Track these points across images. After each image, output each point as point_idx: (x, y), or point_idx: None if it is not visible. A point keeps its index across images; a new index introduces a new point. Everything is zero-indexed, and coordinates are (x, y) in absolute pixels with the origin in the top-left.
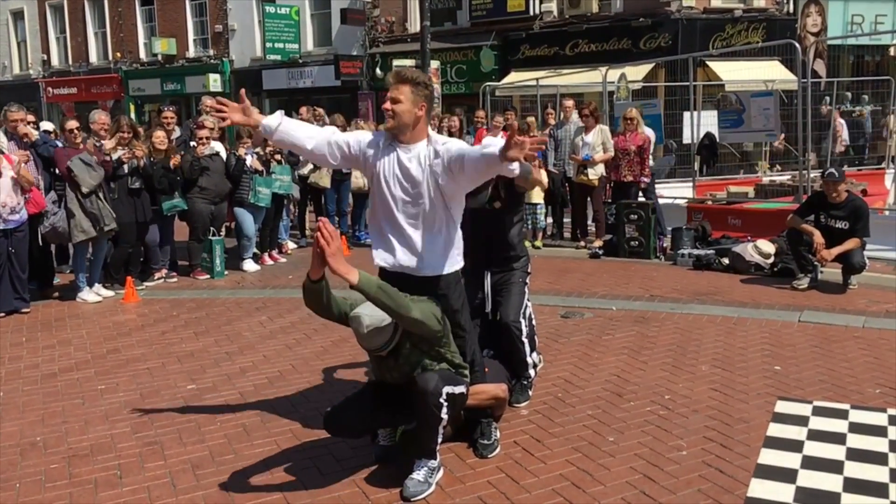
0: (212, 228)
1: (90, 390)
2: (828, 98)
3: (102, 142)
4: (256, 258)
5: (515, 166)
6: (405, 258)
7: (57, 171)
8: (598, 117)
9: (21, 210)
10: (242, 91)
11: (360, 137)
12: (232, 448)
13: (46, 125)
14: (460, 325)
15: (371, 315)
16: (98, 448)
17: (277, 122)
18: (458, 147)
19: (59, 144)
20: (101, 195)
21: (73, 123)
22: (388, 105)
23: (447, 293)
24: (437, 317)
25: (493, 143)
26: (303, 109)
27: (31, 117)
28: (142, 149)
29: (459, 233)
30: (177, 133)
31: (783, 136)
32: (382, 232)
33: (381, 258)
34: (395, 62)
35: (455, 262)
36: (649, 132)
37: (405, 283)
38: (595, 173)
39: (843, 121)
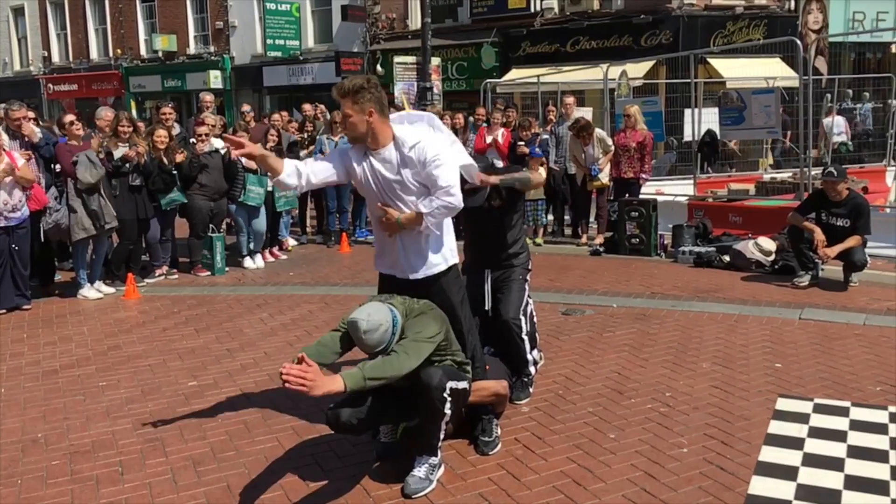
0: (211, 225)
1: (91, 387)
2: (829, 95)
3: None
4: (255, 255)
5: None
6: (399, 261)
7: (58, 167)
8: (591, 131)
9: (23, 207)
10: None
11: (338, 155)
12: (233, 444)
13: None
14: (460, 322)
15: (368, 320)
16: (99, 444)
17: (294, 184)
18: (427, 172)
19: (57, 140)
20: (102, 193)
21: (69, 117)
22: (339, 119)
23: (446, 291)
24: (431, 338)
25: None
26: (306, 106)
27: (31, 113)
28: (142, 145)
29: (450, 228)
30: (176, 130)
31: (790, 133)
32: (378, 237)
33: (380, 265)
34: (397, 59)
35: (449, 259)
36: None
37: (404, 285)
38: (606, 175)
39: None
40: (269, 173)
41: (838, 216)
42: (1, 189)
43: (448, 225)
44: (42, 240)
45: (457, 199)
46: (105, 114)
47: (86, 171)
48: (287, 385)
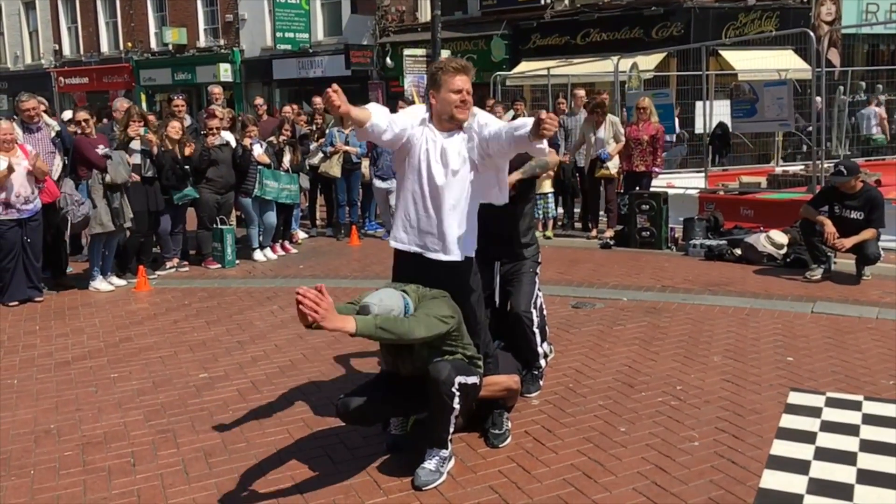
0: (222, 217)
1: (103, 378)
2: (841, 88)
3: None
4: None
5: (544, 144)
6: (431, 242)
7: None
8: (605, 111)
9: (35, 199)
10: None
11: (407, 119)
12: (244, 436)
13: (68, 114)
14: (475, 317)
15: (380, 305)
16: (111, 436)
17: (385, 126)
18: (492, 128)
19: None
20: (124, 191)
21: (83, 115)
22: (467, 96)
23: (465, 280)
24: (444, 318)
25: (524, 122)
26: (317, 99)
27: (42, 106)
28: (154, 138)
29: (473, 231)
30: (187, 122)
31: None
32: (408, 215)
33: (402, 241)
34: (406, 52)
35: (472, 247)
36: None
37: (426, 267)
38: (614, 165)
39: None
40: (353, 126)
41: (852, 209)
42: (13, 181)
43: (474, 230)
44: (55, 233)
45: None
46: (121, 105)
47: (120, 169)
48: (300, 307)
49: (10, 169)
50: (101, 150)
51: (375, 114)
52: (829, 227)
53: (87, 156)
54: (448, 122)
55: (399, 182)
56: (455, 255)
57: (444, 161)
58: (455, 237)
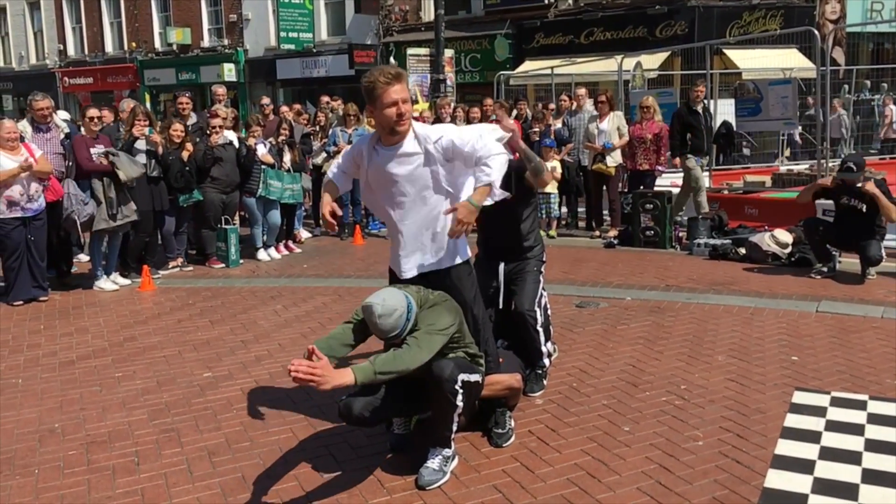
0: (225, 217)
1: (107, 378)
2: (846, 86)
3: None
4: (269, 247)
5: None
6: (417, 257)
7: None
8: (613, 104)
9: (40, 198)
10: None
11: (345, 156)
12: (248, 435)
13: (64, 114)
14: (474, 316)
15: (383, 304)
16: (115, 435)
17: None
18: (461, 140)
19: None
20: (128, 188)
21: (93, 112)
22: (404, 108)
23: (460, 285)
24: (444, 330)
25: (482, 176)
26: (324, 98)
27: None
28: (159, 138)
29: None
30: (192, 119)
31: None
32: (393, 234)
33: (396, 265)
34: (410, 51)
35: (464, 252)
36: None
37: (418, 280)
38: (613, 161)
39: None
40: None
41: (858, 198)
42: (17, 181)
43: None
44: (61, 232)
45: (500, 150)
46: (128, 106)
47: (127, 167)
48: (296, 380)
49: (25, 167)
50: (100, 149)
51: (333, 184)
52: (828, 181)
53: (76, 155)
54: (391, 136)
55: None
56: (452, 260)
57: (402, 180)
58: (444, 243)
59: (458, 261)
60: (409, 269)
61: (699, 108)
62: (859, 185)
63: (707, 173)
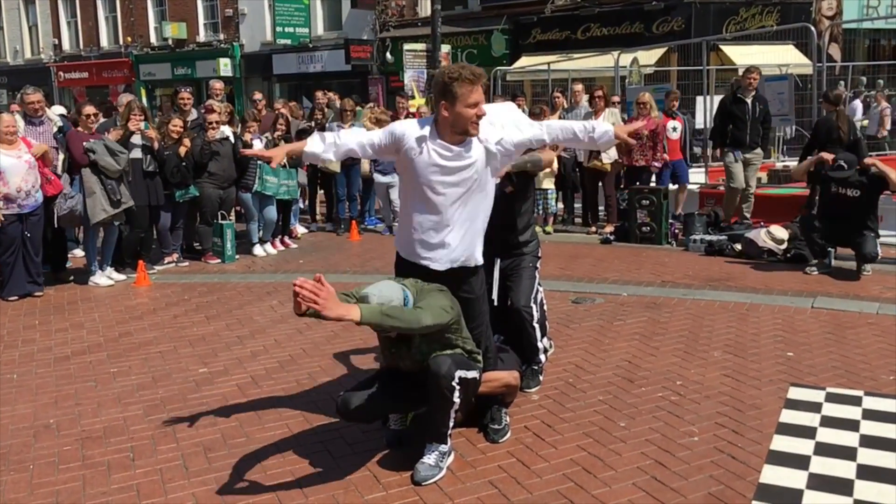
0: (221, 212)
1: (103, 373)
2: (843, 83)
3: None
4: (265, 243)
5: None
6: (442, 255)
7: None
8: (608, 101)
9: (37, 193)
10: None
11: (398, 132)
12: (243, 431)
13: (59, 109)
14: (479, 315)
15: (379, 295)
16: (111, 431)
17: (320, 150)
18: (519, 134)
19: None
20: (121, 180)
21: (90, 109)
22: (481, 110)
23: (473, 282)
24: (446, 309)
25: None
26: (318, 94)
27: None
28: (154, 134)
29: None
30: (193, 115)
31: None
32: (417, 229)
33: (407, 250)
34: (406, 46)
35: (480, 257)
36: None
37: (433, 276)
38: (608, 158)
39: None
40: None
41: (849, 186)
42: (14, 176)
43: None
44: (55, 226)
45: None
46: (125, 100)
47: (109, 158)
48: (298, 298)
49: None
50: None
51: (309, 145)
52: (827, 155)
53: (70, 150)
54: (460, 135)
55: (405, 194)
56: (478, 259)
57: (456, 178)
58: (468, 246)
59: (480, 260)
60: (441, 263)
61: (748, 98)
62: (858, 166)
63: (703, 169)
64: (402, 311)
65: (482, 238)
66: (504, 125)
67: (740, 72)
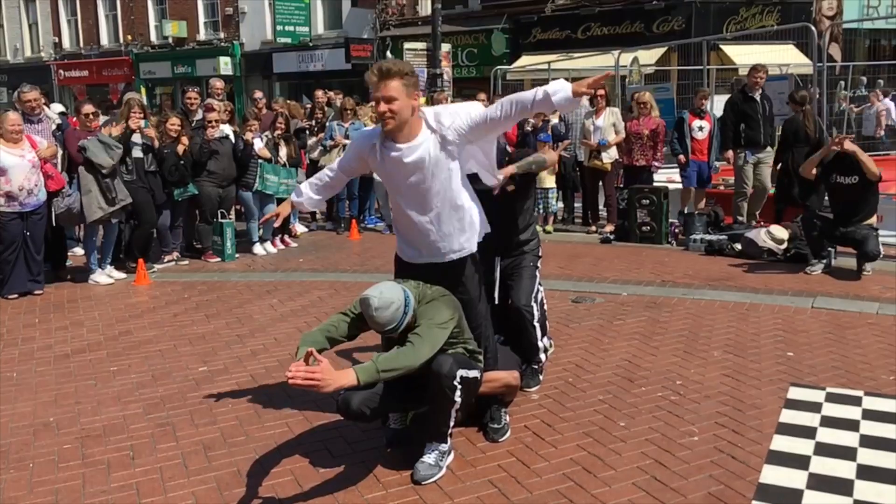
0: (221, 211)
1: (102, 372)
2: (843, 83)
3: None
4: (265, 241)
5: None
6: (428, 250)
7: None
8: (609, 100)
9: (39, 192)
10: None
11: (356, 144)
12: (243, 430)
13: (58, 107)
14: (478, 314)
15: (380, 297)
16: (110, 429)
17: (304, 197)
18: (468, 117)
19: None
20: (117, 175)
21: (89, 108)
22: (384, 107)
23: (467, 280)
24: (444, 324)
25: (540, 91)
26: (318, 93)
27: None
28: (153, 133)
29: (477, 211)
30: (199, 115)
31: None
32: (403, 227)
33: (405, 254)
34: (406, 45)
35: (473, 244)
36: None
37: (427, 271)
38: (609, 157)
39: (890, 102)
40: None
41: (846, 174)
42: (17, 174)
43: (477, 208)
44: (54, 225)
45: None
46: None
47: (103, 154)
48: (297, 383)
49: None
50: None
51: (299, 194)
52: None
53: (69, 148)
54: (397, 131)
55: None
56: (467, 250)
57: (411, 173)
58: (458, 234)
59: (468, 252)
60: (430, 257)
61: (756, 95)
62: (835, 146)
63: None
64: (399, 359)
65: (471, 225)
66: (457, 112)
67: (741, 71)
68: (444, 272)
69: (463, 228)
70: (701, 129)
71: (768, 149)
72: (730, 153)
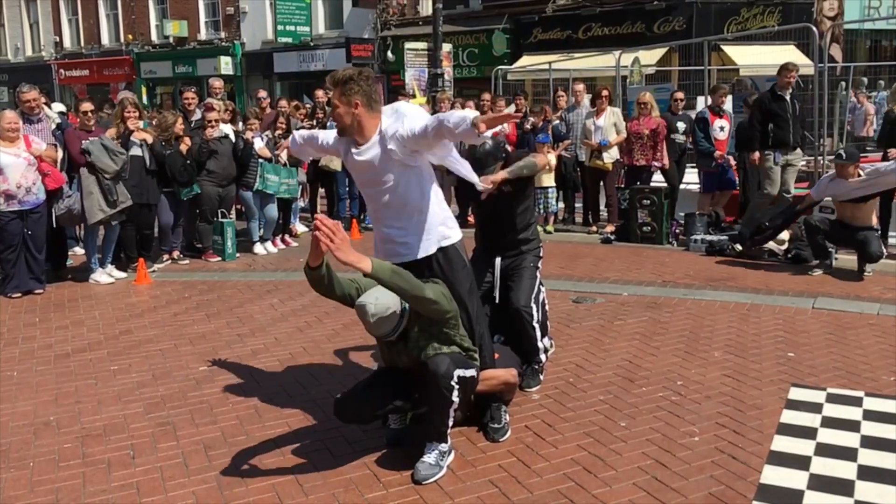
0: (221, 210)
1: (103, 371)
2: (844, 83)
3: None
4: (266, 241)
5: (485, 135)
6: (394, 248)
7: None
8: (610, 100)
9: (38, 191)
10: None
11: (335, 140)
12: (244, 429)
13: (59, 106)
14: (468, 311)
15: (376, 304)
16: (111, 428)
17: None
18: (410, 128)
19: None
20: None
21: (87, 106)
22: (336, 112)
23: (449, 272)
24: (447, 297)
25: (454, 115)
26: (319, 93)
27: (42, 98)
28: (150, 132)
29: (442, 206)
30: (197, 115)
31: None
32: (375, 226)
33: (381, 254)
34: (407, 45)
35: (445, 237)
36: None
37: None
38: (609, 157)
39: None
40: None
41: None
42: (14, 173)
43: (438, 197)
44: (54, 225)
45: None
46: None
47: (106, 158)
48: (315, 232)
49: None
50: (84, 143)
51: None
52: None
53: (69, 149)
54: (356, 134)
55: None
56: (423, 252)
57: (366, 172)
58: (413, 234)
59: (437, 246)
60: (406, 255)
61: (787, 95)
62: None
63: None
64: (410, 276)
65: (428, 229)
66: (411, 120)
67: (742, 72)
68: (418, 269)
69: (419, 231)
70: (722, 128)
71: (797, 150)
72: (755, 154)
